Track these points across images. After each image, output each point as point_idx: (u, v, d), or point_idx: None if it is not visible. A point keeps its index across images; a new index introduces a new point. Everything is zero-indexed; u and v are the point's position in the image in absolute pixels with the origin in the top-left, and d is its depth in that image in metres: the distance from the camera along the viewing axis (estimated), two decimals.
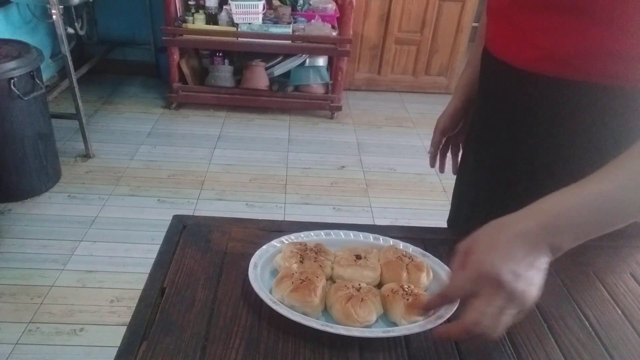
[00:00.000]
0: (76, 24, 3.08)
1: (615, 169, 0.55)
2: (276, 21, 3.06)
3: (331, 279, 0.72)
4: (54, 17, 2.38)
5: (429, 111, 3.52)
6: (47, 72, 3.14)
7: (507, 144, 0.83)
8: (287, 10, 3.09)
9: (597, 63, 0.67)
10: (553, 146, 0.74)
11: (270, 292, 0.66)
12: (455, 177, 1.07)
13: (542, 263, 0.54)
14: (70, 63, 2.45)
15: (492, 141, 0.88)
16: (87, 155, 2.68)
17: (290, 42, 3.06)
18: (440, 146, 1.04)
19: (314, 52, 3.17)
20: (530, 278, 0.53)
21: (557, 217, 0.54)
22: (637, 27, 0.62)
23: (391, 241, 0.79)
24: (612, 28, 0.63)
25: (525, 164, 0.80)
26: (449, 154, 1.07)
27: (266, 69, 3.22)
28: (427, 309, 0.62)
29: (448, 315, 0.63)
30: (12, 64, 2.03)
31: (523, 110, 0.79)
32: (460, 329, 0.54)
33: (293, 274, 0.67)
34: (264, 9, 3.02)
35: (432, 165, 1.07)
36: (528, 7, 0.72)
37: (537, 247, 0.54)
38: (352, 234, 0.79)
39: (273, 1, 3.18)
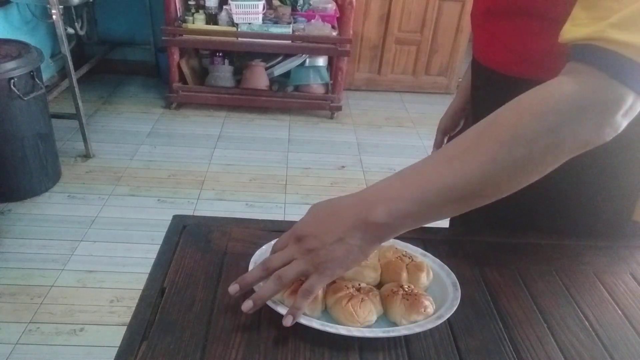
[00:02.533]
0: (76, 24, 3.08)
1: (439, 151, 0.57)
2: (276, 21, 3.06)
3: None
4: (54, 17, 2.38)
5: (429, 111, 3.52)
6: (47, 72, 3.14)
7: None
8: (287, 10, 3.09)
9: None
10: None
11: None
12: None
13: (349, 237, 0.57)
14: (70, 63, 2.46)
15: None
16: (87, 155, 2.68)
17: (290, 42, 3.06)
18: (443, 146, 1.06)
19: (314, 52, 3.17)
20: (326, 242, 0.58)
21: (372, 194, 0.58)
22: None
23: (391, 241, 0.79)
24: None
25: None
26: None
27: (266, 69, 3.22)
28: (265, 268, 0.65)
29: (448, 315, 0.63)
30: (12, 64, 2.03)
31: None
32: (258, 268, 0.62)
33: None
34: (264, 9, 3.03)
35: None
36: (498, 14, 0.75)
37: (348, 221, 0.57)
38: None
39: (273, 1, 3.18)
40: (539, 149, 0.52)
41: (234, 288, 0.62)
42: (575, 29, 0.55)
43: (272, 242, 0.74)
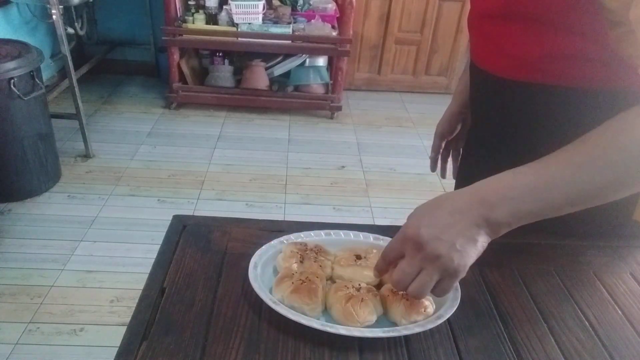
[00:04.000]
0: (76, 24, 3.08)
1: (559, 155, 0.58)
2: (276, 21, 3.06)
3: (331, 279, 0.72)
4: (54, 17, 2.38)
5: (429, 111, 3.52)
6: (47, 72, 3.14)
7: (498, 148, 0.86)
8: (287, 10, 3.09)
9: (563, 67, 0.70)
10: (532, 149, 0.76)
11: (270, 292, 0.66)
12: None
13: (475, 234, 0.56)
14: (70, 63, 2.45)
15: (485, 145, 0.90)
16: (87, 155, 2.68)
17: (290, 42, 3.06)
18: (441, 150, 1.07)
19: (314, 52, 3.17)
20: (454, 243, 0.55)
21: (492, 193, 0.57)
22: (594, 32, 0.64)
23: None
24: (571, 33, 0.67)
25: (513, 167, 0.82)
26: (449, 158, 1.10)
27: (266, 69, 3.22)
28: (377, 271, 0.65)
29: (448, 315, 0.63)
30: (12, 64, 2.03)
31: (506, 116, 0.82)
32: (391, 283, 0.61)
33: (293, 274, 0.67)
34: (264, 9, 3.02)
35: (433, 169, 1.10)
36: (495, 18, 0.75)
37: (470, 220, 0.56)
38: (352, 234, 0.79)
39: (273, 1, 3.18)
40: None
41: None
42: None
43: (273, 242, 0.75)
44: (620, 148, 0.55)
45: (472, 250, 0.56)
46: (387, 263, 0.63)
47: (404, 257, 0.59)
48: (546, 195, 0.56)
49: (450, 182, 1.09)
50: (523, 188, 0.57)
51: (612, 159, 0.55)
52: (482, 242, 0.57)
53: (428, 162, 1.10)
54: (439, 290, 0.59)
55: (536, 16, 0.68)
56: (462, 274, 0.58)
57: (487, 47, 0.80)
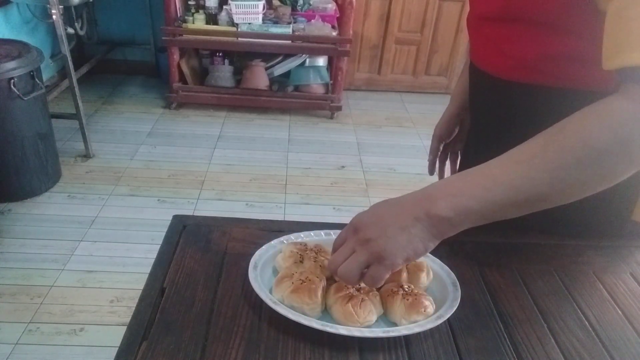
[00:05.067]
0: (76, 24, 3.08)
1: (505, 155, 0.58)
2: (276, 21, 3.06)
3: (331, 279, 0.72)
4: (54, 17, 2.38)
5: (429, 111, 3.52)
6: (47, 72, 3.14)
7: (497, 150, 0.85)
8: (287, 10, 3.09)
9: (562, 68, 0.70)
10: None
11: (270, 292, 0.66)
12: None
13: (411, 226, 0.57)
14: (70, 63, 2.45)
15: (484, 147, 0.90)
16: (87, 155, 2.68)
17: (290, 42, 3.06)
18: (439, 153, 1.07)
19: (314, 52, 3.17)
20: (386, 230, 0.57)
21: (437, 190, 0.58)
22: (591, 34, 0.64)
23: None
24: (569, 35, 0.67)
25: None
26: (447, 161, 1.09)
27: (266, 69, 3.22)
28: (330, 270, 0.65)
29: (448, 315, 0.63)
30: (12, 64, 2.03)
31: (506, 118, 0.82)
32: (327, 266, 0.63)
33: (293, 274, 0.67)
34: (264, 9, 3.03)
35: (431, 172, 1.09)
36: (494, 19, 0.76)
37: (410, 212, 0.58)
38: None
39: (273, 1, 3.18)
40: (610, 159, 0.53)
41: None
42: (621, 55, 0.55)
43: (272, 242, 0.75)
44: (558, 147, 0.54)
45: (402, 239, 0.57)
46: (334, 250, 0.64)
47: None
48: (486, 192, 0.56)
49: None
50: (464, 184, 0.57)
51: (549, 157, 0.54)
52: (420, 236, 0.57)
53: (428, 162, 1.10)
54: (368, 278, 0.59)
55: (535, 18, 0.69)
56: (389, 262, 0.58)
57: (486, 48, 0.81)
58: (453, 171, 1.08)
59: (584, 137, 0.54)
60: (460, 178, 0.59)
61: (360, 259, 0.58)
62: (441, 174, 1.10)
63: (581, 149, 0.53)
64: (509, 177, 0.55)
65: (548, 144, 0.55)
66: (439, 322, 0.62)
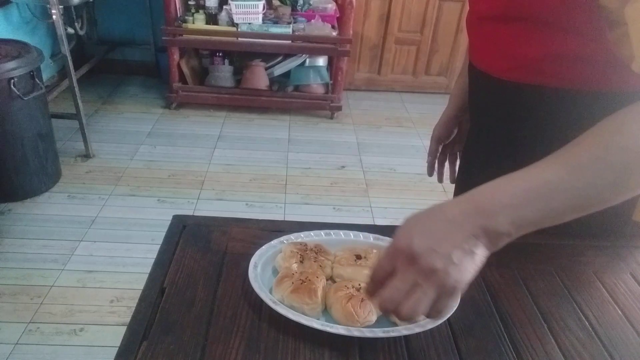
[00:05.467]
0: (76, 24, 3.08)
1: (556, 159, 0.55)
2: (276, 21, 3.06)
3: (331, 279, 0.72)
4: (54, 17, 2.38)
5: (429, 111, 3.52)
6: (47, 72, 3.14)
7: (498, 151, 0.86)
8: (287, 10, 3.09)
9: (563, 68, 0.70)
10: (532, 151, 0.77)
11: (270, 292, 0.66)
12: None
13: (473, 246, 0.51)
14: (70, 63, 2.45)
15: (484, 148, 0.90)
16: (87, 155, 2.68)
17: (290, 42, 3.06)
18: (438, 154, 1.07)
19: (314, 52, 3.17)
20: (451, 256, 0.50)
21: (489, 201, 0.53)
22: (594, 33, 0.64)
23: None
24: (570, 35, 0.66)
25: (514, 170, 0.82)
26: (446, 162, 1.09)
27: (266, 69, 3.22)
28: (369, 295, 0.58)
29: (448, 315, 0.63)
30: (12, 64, 2.03)
31: (506, 118, 0.82)
32: (378, 306, 0.54)
33: (293, 274, 0.67)
34: (264, 9, 3.02)
35: (430, 174, 1.09)
36: (494, 19, 0.75)
37: (467, 230, 0.51)
38: (352, 234, 0.79)
39: (273, 1, 3.17)
40: None
41: None
42: None
43: (272, 242, 0.75)
44: (620, 148, 0.53)
45: (470, 264, 0.51)
46: (376, 283, 0.55)
47: (394, 275, 0.53)
48: (547, 202, 0.52)
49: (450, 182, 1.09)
50: (522, 194, 0.52)
51: (612, 159, 0.53)
52: (481, 255, 0.52)
53: (428, 162, 1.10)
54: (433, 312, 0.53)
55: (535, 17, 0.68)
56: (460, 292, 0.53)
57: (486, 48, 0.80)
58: (452, 172, 1.08)
59: None
60: (512, 184, 0.54)
61: (431, 295, 0.51)
62: (440, 176, 1.10)
63: None
64: (570, 185, 0.52)
65: (609, 147, 0.53)
66: (439, 322, 0.62)
